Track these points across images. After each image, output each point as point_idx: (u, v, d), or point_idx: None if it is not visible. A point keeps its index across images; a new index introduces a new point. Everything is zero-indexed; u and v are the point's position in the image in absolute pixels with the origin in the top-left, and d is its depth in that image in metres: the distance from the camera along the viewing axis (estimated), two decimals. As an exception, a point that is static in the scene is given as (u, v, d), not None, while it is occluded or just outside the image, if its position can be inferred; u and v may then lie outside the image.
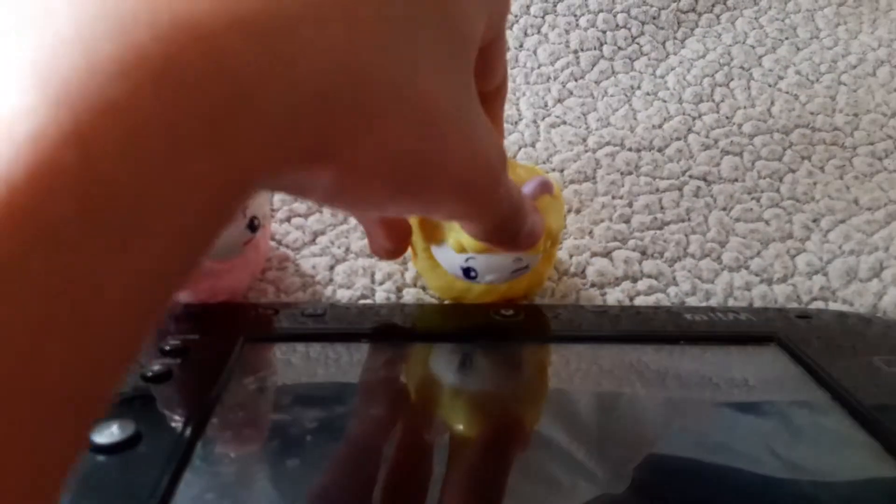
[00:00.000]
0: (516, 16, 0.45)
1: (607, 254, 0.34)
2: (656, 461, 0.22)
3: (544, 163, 0.38)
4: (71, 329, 0.09)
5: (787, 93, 0.42)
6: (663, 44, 0.45)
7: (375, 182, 0.14)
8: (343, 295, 0.31)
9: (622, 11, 0.46)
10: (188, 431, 0.21)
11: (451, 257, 0.28)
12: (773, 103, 0.41)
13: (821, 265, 0.34)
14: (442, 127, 0.14)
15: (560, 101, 0.41)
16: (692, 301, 0.32)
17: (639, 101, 0.41)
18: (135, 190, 0.09)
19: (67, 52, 0.09)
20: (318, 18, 0.11)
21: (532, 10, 0.45)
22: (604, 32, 0.45)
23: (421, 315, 0.30)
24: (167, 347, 0.24)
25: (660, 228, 0.35)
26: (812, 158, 0.39)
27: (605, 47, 0.44)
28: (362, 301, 0.31)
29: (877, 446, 0.21)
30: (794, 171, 0.38)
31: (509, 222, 0.19)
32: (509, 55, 0.43)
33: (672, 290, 0.32)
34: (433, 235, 0.28)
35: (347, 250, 0.33)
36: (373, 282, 0.32)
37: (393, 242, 0.26)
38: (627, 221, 0.35)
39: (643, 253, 0.34)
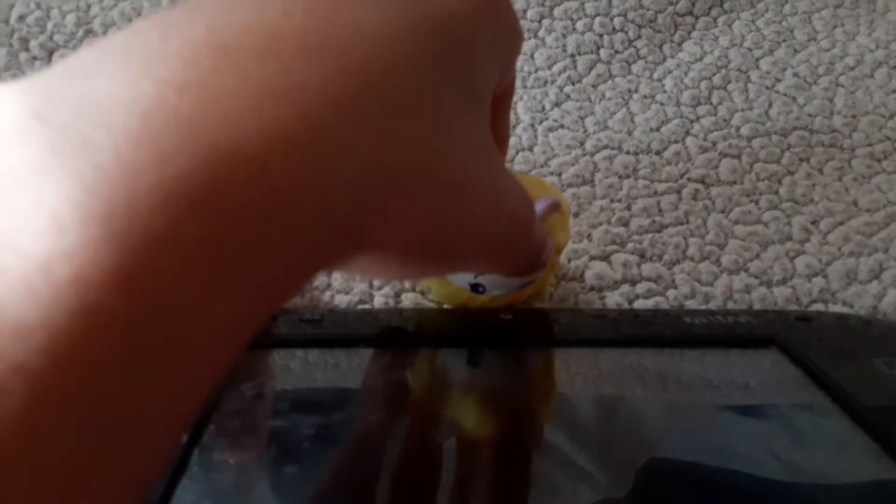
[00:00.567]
0: (513, 20, 0.45)
1: (606, 257, 0.34)
2: (657, 464, 0.21)
3: (542, 167, 0.38)
4: (110, 464, 0.09)
5: (784, 95, 0.42)
6: (660, 47, 0.45)
7: (408, 259, 0.14)
8: (341, 300, 0.31)
9: (619, 15, 0.46)
10: (185, 438, 0.21)
11: (458, 274, 0.28)
12: (770, 105, 0.41)
13: (820, 267, 0.34)
14: (471, 198, 0.14)
15: (557, 104, 0.41)
16: (691, 304, 0.32)
17: (636, 105, 0.41)
18: (177, 318, 0.09)
19: (108, 187, 0.09)
20: (353, 121, 0.11)
21: (529, 14, 0.45)
22: (601, 36, 0.45)
23: (419, 320, 0.30)
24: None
25: (658, 231, 0.35)
26: (810, 160, 0.39)
27: (602, 51, 0.44)
28: (360, 306, 0.31)
29: (878, 449, 0.21)
30: (792, 174, 0.38)
31: (532, 258, 0.19)
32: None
33: (671, 293, 0.32)
34: None
35: (345, 255, 0.33)
36: (371, 287, 0.32)
37: None
38: (626, 225, 0.35)
39: (642, 256, 0.34)
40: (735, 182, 0.37)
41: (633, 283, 0.33)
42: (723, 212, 0.36)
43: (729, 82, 0.43)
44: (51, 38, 0.41)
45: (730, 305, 0.32)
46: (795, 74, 0.43)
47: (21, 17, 0.41)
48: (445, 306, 0.31)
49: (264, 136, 0.10)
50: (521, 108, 0.41)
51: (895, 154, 0.39)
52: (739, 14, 0.47)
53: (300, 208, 0.10)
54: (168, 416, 0.09)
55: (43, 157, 0.09)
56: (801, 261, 0.34)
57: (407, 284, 0.32)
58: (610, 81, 0.43)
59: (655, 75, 0.43)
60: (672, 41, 0.45)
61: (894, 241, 0.35)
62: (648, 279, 0.33)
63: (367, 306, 0.31)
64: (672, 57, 0.44)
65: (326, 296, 0.31)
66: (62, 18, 0.41)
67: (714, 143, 0.39)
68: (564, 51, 0.44)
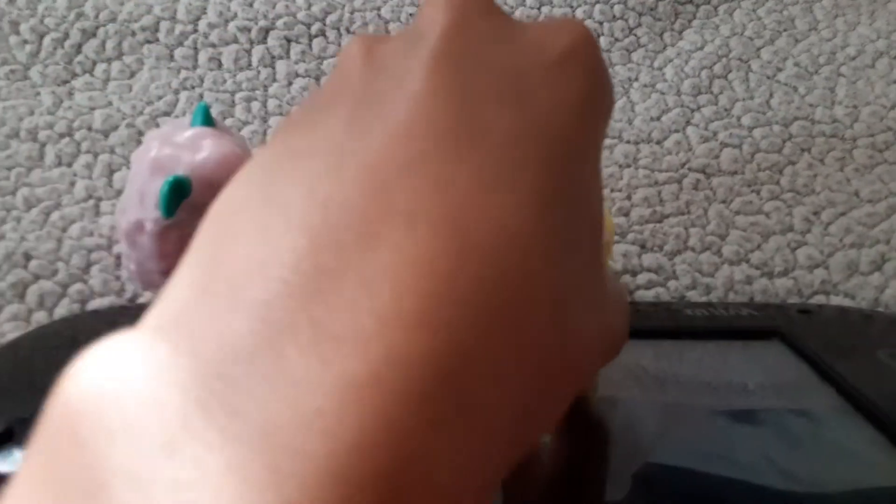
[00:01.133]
0: (512, 7, 0.45)
1: (606, 247, 0.33)
2: (660, 457, 0.21)
3: (541, 155, 0.37)
4: None
5: (785, 85, 0.42)
6: (661, 35, 0.44)
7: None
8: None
9: (619, 2, 0.45)
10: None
11: None
12: (772, 95, 0.41)
13: (822, 258, 0.33)
14: (588, 352, 0.14)
15: (557, 93, 0.41)
16: (692, 295, 0.32)
17: (637, 94, 0.41)
18: None
19: None
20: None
21: (528, 0, 0.45)
22: (601, 24, 0.44)
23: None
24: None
25: (659, 221, 0.34)
26: (812, 150, 0.38)
27: (602, 38, 0.44)
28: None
29: (884, 441, 0.21)
30: (793, 164, 0.38)
31: None
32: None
33: (672, 283, 0.32)
34: None
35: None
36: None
37: None
38: (626, 214, 0.35)
39: (642, 246, 0.33)
40: (736, 172, 0.37)
41: (634, 273, 0.32)
42: (724, 202, 0.36)
43: (730, 71, 0.42)
44: (41, 21, 0.40)
45: (731, 297, 0.32)
46: (797, 64, 0.43)
47: (10, 0, 0.40)
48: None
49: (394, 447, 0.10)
50: (520, 97, 0.40)
51: (897, 145, 0.39)
52: (740, 3, 0.47)
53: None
54: None
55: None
56: (803, 252, 0.34)
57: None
58: (610, 69, 0.42)
59: (656, 64, 0.43)
60: (673, 29, 0.45)
61: (896, 232, 0.34)
62: (649, 270, 0.32)
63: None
64: (673, 45, 0.44)
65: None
66: (53, 2, 0.41)
67: (715, 133, 0.39)
68: (564, 38, 0.43)
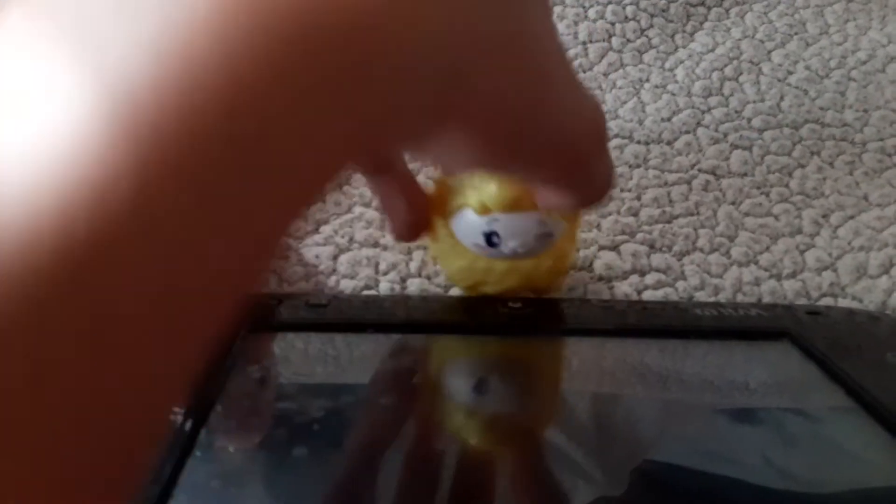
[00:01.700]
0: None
1: (615, 247, 0.33)
2: (669, 456, 0.21)
3: (551, 154, 0.37)
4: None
5: (796, 88, 0.42)
6: (672, 37, 0.44)
7: (489, 143, 0.14)
8: (346, 285, 0.31)
9: (631, 3, 0.45)
10: (190, 421, 0.20)
11: (472, 224, 0.26)
12: (782, 98, 0.41)
13: (830, 261, 0.33)
14: (553, 84, 0.14)
15: (567, 92, 0.41)
16: (701, 295, 0.32)
17: (647, 94, 0.41)
18: (280, 136, 0.09)
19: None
20: None
21: None
22: (612, 24, 0.44)
23: (425, 306, 0.29)
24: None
25: (668, 222, 0.34)
26: (822, 154, 0.38)
27: (613, 39, 0.44)
28: (366, 291, 0.31)
29: (893, 441, 0.21)
30: (803, 167, 0.38)
31: (599, 184, 0.18)
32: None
33: (680, 284, 0.32)
34: (452, 204, 0.27)
35: (351, 240, 0.32)
36: (377, 272, 0.31)
37: (413, 215, 0.26)
38: (636, 214, 0.35)
39: (651, 246, 0.33)
40: (746, 174, 0.37)
41: (643, 273, 0.32)
42: (733, 203, 0.36)
43: (741, 74, 0.42)
44: None
45: (739, 298, 0.32)
46: (807, 67, 0.43)
47: None
48: (451, 294, 0.31)
49: None
50: (531, 96, 0.40)
51: (907, 149, 0.39)
52: (752, 6, 0.47)
53: (390, 65, 0.10)
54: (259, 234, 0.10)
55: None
56: (812, 254, 0.34)
57: (413, 270, 0.31)
58: (621, 70, 0.42)
59: (667, 65, 0.43)
60: (684, 31, 0.45)
61: (905, 236, 0.34)
62: (658, 270, 0.32)
63: (372, 292, 0.31)
64: (684, 47, 0.44)
65: (332, 281, 0.31)
66: None
67: (725, 135, 0.39)
68: (576, 38, 0.43)
